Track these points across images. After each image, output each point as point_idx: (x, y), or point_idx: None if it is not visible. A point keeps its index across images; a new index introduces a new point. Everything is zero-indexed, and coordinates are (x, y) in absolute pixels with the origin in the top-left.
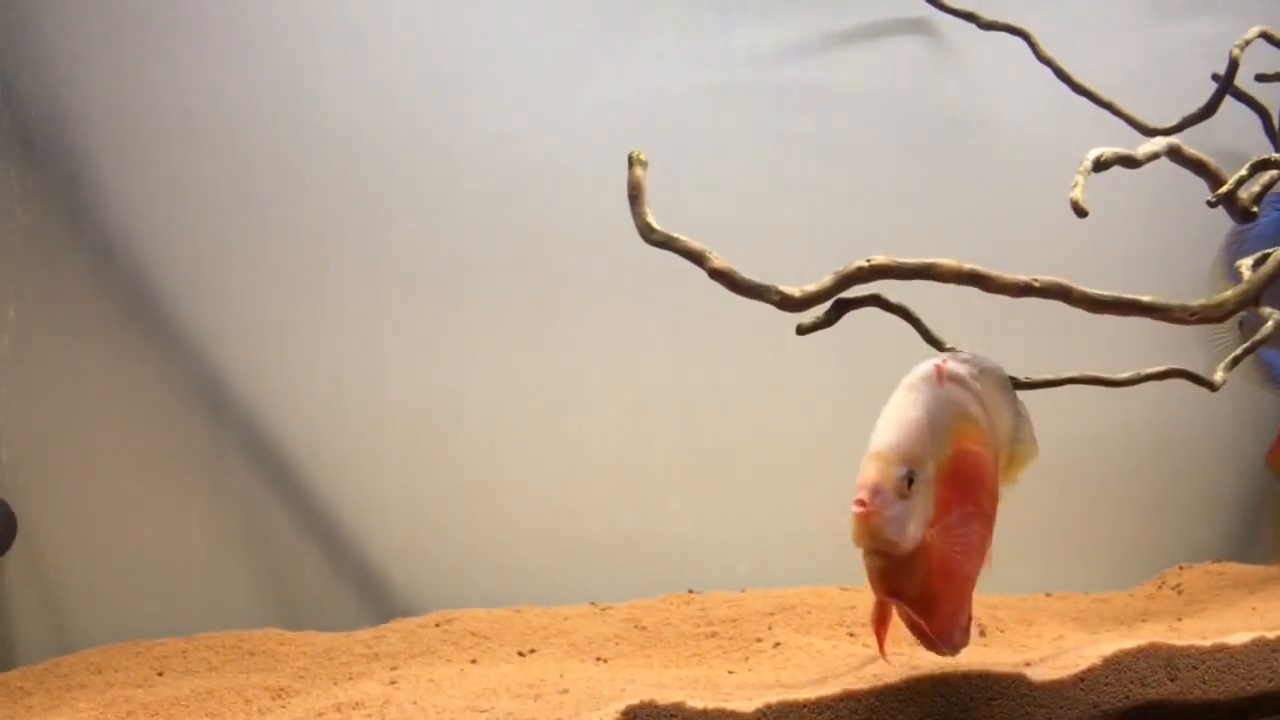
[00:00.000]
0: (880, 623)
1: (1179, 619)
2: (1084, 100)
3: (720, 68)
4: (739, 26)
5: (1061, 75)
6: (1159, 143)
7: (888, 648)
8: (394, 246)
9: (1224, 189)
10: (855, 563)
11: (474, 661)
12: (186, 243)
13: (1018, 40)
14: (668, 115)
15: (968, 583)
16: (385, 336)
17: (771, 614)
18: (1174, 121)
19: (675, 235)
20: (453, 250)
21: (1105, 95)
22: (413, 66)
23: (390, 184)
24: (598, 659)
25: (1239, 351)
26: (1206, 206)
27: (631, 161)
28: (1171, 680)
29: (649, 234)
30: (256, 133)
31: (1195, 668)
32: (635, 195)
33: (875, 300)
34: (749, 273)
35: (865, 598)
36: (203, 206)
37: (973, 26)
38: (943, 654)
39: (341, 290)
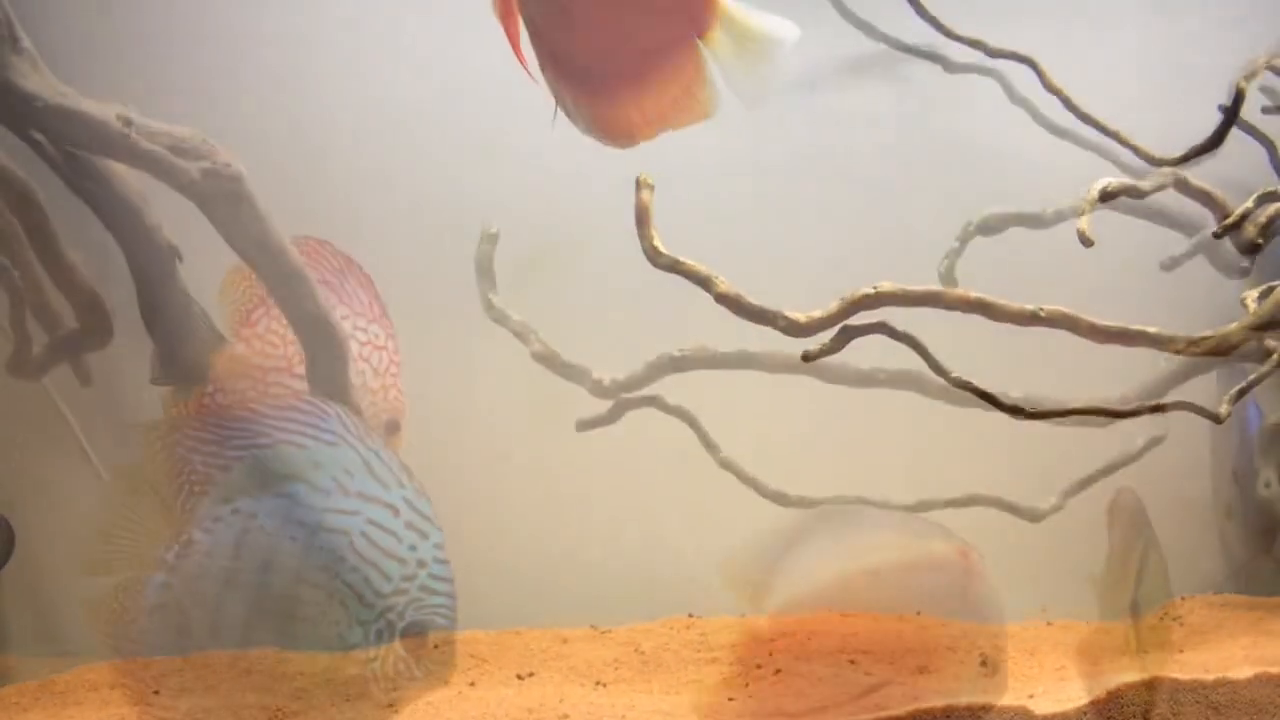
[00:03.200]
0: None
1: (1180, 650)
2: (1092, 129)
3: (728, 91)
4: None
5: (1069, 104)
6: (1165, 174)
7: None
8: (396, 262)
9: (1230, 220)
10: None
11: (472, 684)
12: (186, 252)
13: (1027, 69)
14: (676, 137)
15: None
16: None
17: (772, 640)
18: (1181, 152)
19: (682, 259)
20: (455, 268)
21: (1112, 125)
22: (418, 78)
23: (394, 197)
24: (597, 683)
25: (1244, 385)
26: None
27: (639, 185)
28: (1174, 715)
29: (656, 257)
30: (262, 142)
31: (1198, 702)
32: (642, 219)
33: (882, 328)
34: (755, 297)
35: (866, 623)
36: (204, 216)
37: (981, 54)
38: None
39: None
